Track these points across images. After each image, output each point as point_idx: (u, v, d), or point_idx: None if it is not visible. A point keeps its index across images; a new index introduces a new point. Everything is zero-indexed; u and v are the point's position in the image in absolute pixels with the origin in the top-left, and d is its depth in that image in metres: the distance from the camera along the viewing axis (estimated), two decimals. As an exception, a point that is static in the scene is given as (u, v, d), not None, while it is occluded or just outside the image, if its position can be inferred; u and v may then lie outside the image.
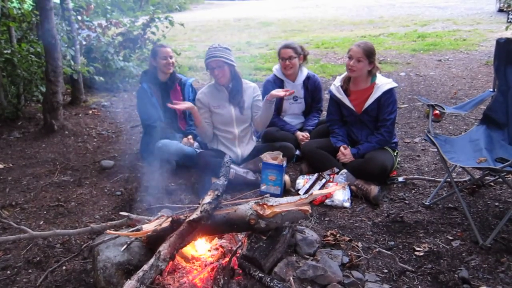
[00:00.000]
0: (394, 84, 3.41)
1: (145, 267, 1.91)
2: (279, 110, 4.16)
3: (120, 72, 7.03)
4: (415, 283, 2.27)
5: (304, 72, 4.10)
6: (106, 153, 4.40)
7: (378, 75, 3.46)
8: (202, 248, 2.40)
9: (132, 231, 2.33)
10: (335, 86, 3.59)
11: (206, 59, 3.46)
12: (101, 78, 6.54)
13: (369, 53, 3.31)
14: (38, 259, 2.61)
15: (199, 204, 2.20)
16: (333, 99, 3.63)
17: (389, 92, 3.38)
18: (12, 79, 5.50)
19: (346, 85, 3.54)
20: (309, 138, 3.90)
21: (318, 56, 9.03)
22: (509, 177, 3.18)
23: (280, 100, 4.10)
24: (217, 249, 2.40)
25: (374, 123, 3.49)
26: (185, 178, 3.64)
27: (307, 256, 2.33)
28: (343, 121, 3.68)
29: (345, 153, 3.46)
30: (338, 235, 2.66)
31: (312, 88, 4.12)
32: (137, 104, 4.07)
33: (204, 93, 3.62)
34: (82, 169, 3.99)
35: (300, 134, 3.94)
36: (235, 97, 3.58)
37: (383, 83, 3.40)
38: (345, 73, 3.52)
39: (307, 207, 2.26)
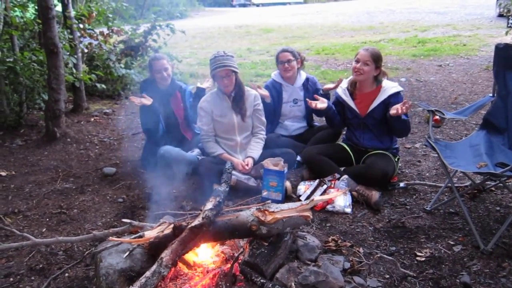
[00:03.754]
0: (400, 88, 3.42)
1: (147, 273, 1.91)
2: (278, 115, 4.18)
3: (122, 80, 7.07)
4: (416, 288, 2.27)
5: (303, 75, 4.15)
6: (108, 160, 4.42)
7: (384, 79, 3.47)
8: (204, 255, 2.40)
9: (135, 237, 2.33)
10: (342, 88, 3.61)
11: (215, 68, 3.41)
12: (103, 86, 6.59)
13: (376, 58, 3.33)
14: (40, 266, 2.62)
15: (201, 210, 2.21)
16: (339, 100, 3.64)
17: (397, 96, 3.37)
18: (15, 87, 5.54)
19: (352, 89, 3.56)
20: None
21: (318, 62, 9.07)
22: (510, 182, 3.19)
23: (280, 104, 4.12)
24: (218, 255, 2.40)
25: (378, 127, 3.49)
26: (187, 185, 3.66)
27: (309, 262, 2.34)
28: (346, 124, 3.69)
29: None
30: (339, 240, 2.66)
31: (312, 89, 4.14)
32: (140, 114, 4.09)
33: (207, 101, 3.63)
34: (84, 176, 4.01)
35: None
36: (238, 104, 3.60)
37: (389, 86, 3.41)
38: (352, 77, 3.54)
39: (308, 213, 2.27)
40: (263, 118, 3.78)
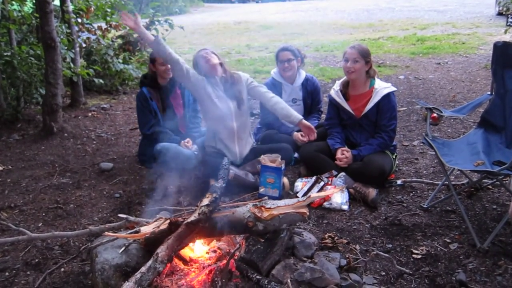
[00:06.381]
0: (393, 89, 3.42)
1: (143, 269, 1.91)
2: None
3: (120, 75, 7.05)
4: (412, 286, 2.27)
5: (302, 74, 4.13)
6: (105, 155, 4.41)
7: (377, 80, 3.47)
8: (200, 251, 2.40)
9: (131, 233, 2.33)
10: (335, 91, 3.60)
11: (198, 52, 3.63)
12: (101, 81, 6.57)
13: (364, 53, 3.33)
14: (36, 261, 2.61)
15: (197, 206, 2.20)
16: (333, 103, 3.64)
17: (388, 97, 3.38)
18: (12, 81, 5.52)
19: (345, 90, 3.55)
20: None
21: (317, 60, 9.06)
22: (507, 180, 3.18)
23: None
24: (215, 251, 2.40)
25: (373, 127, 3.50)
26: (184, 181, 3.64)
27: (305, 259, 2.34)
28: (342, 125, 3.69)
29: (342, 157, 3.43)
30: (336, 237, 2.66)
31: (311, 89, 4.13)
32: (136, 109, 4.08)
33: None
34: (81, 172, 3.99)
35: (297, 134, 3.93)
36: (231, 88, 3.56)
37: (381, 87, 3.41)
38: (344, 78, 3.54)
39: (305, 210, 2.27)
40: (263, 88, 3.70)
